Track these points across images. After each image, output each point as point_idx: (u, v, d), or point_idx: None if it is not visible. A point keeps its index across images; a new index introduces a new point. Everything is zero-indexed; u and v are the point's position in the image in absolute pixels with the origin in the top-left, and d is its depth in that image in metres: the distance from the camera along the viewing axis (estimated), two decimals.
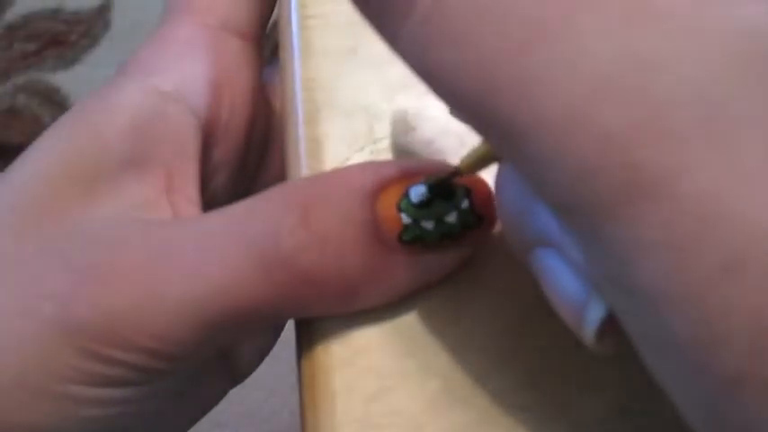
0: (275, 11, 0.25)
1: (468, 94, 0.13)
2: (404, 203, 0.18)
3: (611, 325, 0.14)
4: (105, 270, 0.18)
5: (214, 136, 0.23)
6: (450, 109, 0.18)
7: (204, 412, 0.24)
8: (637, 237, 0.12)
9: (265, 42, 0.25)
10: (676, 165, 0.11)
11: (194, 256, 0.18)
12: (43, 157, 0.20)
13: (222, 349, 0.23)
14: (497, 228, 0.20)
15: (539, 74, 0.12)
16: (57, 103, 1.05)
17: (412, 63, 0.14)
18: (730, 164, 0.11)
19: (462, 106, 0.13)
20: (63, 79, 1.06)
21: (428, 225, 0.18)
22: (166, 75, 0.22)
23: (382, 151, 0.22)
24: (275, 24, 0.25)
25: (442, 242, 0.19)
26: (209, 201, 0.23)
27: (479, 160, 0.18)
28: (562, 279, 0.15)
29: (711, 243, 0.11)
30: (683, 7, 0.12)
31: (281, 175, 0.22)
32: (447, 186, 0.19)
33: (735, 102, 0.11)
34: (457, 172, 0.18)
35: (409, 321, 0.20)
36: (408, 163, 0.19)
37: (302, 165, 0.21)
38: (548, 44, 0.12)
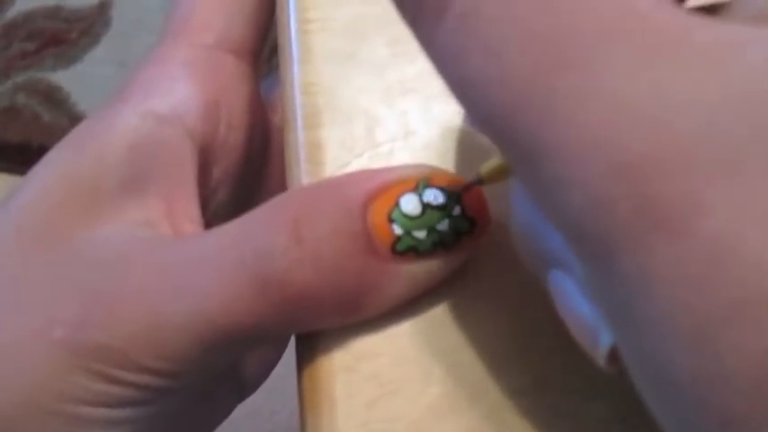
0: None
1: (493, 108, 0.13)
2: (395, 213, 0.18)
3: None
4: (111, 294, 0.19)
5: (212, 154, 0.23)
6: (467, 119, 0.18)
7: (213, 427, 0.25)
8: (648, 269, 0.11)
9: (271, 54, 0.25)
10: (694, 201, 0.11)
11: (193, 277, 0.18)
12: (45, 180, 0.21)
13: (228, 365, 0.23)
14: (497, 234, 0.20)
15: (564, 96, 0.12)
16: (57, 102, 1.05)
17: (443, 69, 0.14)
18: (749, 205, 0.11)
19: (486, 119, 0.13)
20: (63, 78, 1.06)
21: (421, 234, 0.18)
22: (162, 98, 0.22)
23: (382, 156, 0.21)
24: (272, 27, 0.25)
25: (435, 250, 0.19)
26: (212, 218, 0.23)
27: (502, 169, 0.18)
28: (575, 301, 0.15)
29: (724, 282, 0.11)
30: (713, 47, 0.12)
31: (280, 189, 0.22)
32: (443, 189, 0.19)
33: (757, 145, 0.11)
34: (479, 181, 0.18)
35: (409, 327, 0.19)
36: (399, 170, 0.19)
37: (302, 170, 0.21)
38: (577, 67, 0.12)
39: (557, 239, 0.15)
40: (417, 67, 0.22)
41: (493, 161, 0.18)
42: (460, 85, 0.13)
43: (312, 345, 0.20)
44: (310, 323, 0.19)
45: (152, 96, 0.22)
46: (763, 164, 0.11)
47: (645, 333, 0.12)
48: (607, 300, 0.13)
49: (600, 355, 0.15)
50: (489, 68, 0.13)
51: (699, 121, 0.11)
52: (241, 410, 0.27)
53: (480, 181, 0.18)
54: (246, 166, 0.25)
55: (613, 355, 0.15)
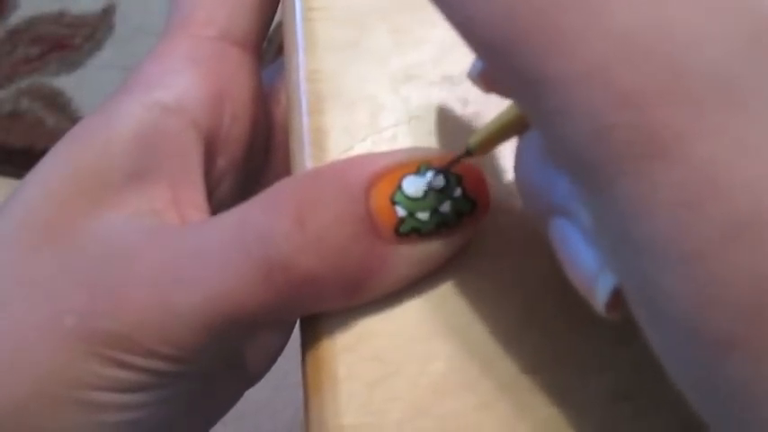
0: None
1: (499, 44, 0.13)
2: (398, 196, 0.19)
3: (621, 295, 0.15)
4: (118, 282, 0.19)
5: (216, 145, 0.23)
6: (471, 71, 0.19)
7: (221, 414, 0.25)
8: (646, 194, 0.12)
9: (268, 46, 0.26)
10: (691, 128, 0.12)
11: (198, 263, 0.19)
12: (50, 173, 0.21)
13: (235, 349, 0.23)
14: (497, 214, 0.20)
15: (567, 28, 0.12)
16: (60, 107, 1.05)
17: (448, 11, 0.14)
18: (743, 133, 0.11)
19: (492, 56, 0.14)
20: (66, 83, 1.07)
21: (423, 216, 0.19)
22: (167, 89, 0.22)
23: (385, 141, 0.22)
24: (279, 25, 0.25)
25: (438, 231, 0.19)
26: (217, 208, 0.23)
27: (489, 139, 0.18)
28: (576, 248, 0.16)
29: (719, 207, 0.11)
30: None
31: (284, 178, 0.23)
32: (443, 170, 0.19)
33: (750, 77, 0.12)
34: (468, 152, 0.19)
35: (411, 307, 0.20)
36: (400, 153, 0.20)
37: (306, 155, 0.22)
38: (577, 3, 0.12)
39: (561, 188, 0.16)
40: (419, 55, 0.23)
41: (479, 132, 0.19)
42: (468, 23, 0.14)
43: (315, 326, 0.20)
44: (315, 306, 0.20)
45: (156, 88, 0.22)
46: (755, 96, 0.12)
47: (644, 260, 0.12)
48: (608, 230, 0.13)
49: (599, 301, 0.15)
50: (492, 5, 0.13)
51: (694, 54, 0.12)
52: (245, 408, 0.27)
53: (468, 152, 0.19)
54: (250, 156, 0.25)
55: (613, 303, 0.15)
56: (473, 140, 0.19)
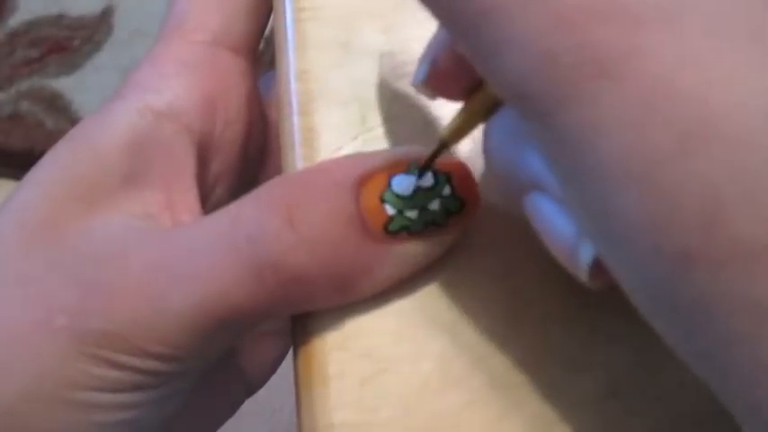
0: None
1: None
2: (387, 194, 0.19)
3: (603, 263, 0.15)
4: (110, 282, 0.19)
5: (210, 149, 0.23)
6: (415, 80, 0.19)
7: (219, 423, 0.25)
8: (594, 116, 0.12)
9: (266, 47, 0.26)
10: (631, 45, 0.12)
11: (189, 264, 0.19)
12: (46, 176, 0.21)
13: (229, 348, 0.23)
14: (486, 210, 0.20)
15: None
16: (60, 109, 1.05)
17: None
18: (681, 47, 0.12)
19: None
20: (66, 85, 1.07)
21: (412, 214, 0.19)
22: (160, 94, 0.22)
23: (375, 140, 0.22)
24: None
25: (427, 229, 0.19)
26: (212, 212, 0.23)
27: (460, 127, 0.19)
28: (555, 221, 0.16)
29: (665, 121, 0.11)
30: None
31: None
32: (431, 168, 0.19)
33: None
34: (443, 144, 0.19)
35: (402, 306, 0.20)
36: (389, 153, 0.20)
37: (297, 154, 0.22)
38: None
39: (534, 165, 0.16)
40: (408, 54, 0.23)
41: (449, 123, 0.19)
42: None
43: (306, 324, 0.20)
44: (306, 305, 0.20)
45: (149, 93, 0.22)
46: (690, 9, 0.12)
47: (597, 185, 0.12)
48: (562, 163, 0.13)
49: (582, 269, 0.15)
50: None
51: None
52: (242, 408, 0.27)
53: (444, 144, 0.19)
54: (245, 160, 0.25)
55: (596, 271, 0.15)
56: (445, 132, 0.19)
